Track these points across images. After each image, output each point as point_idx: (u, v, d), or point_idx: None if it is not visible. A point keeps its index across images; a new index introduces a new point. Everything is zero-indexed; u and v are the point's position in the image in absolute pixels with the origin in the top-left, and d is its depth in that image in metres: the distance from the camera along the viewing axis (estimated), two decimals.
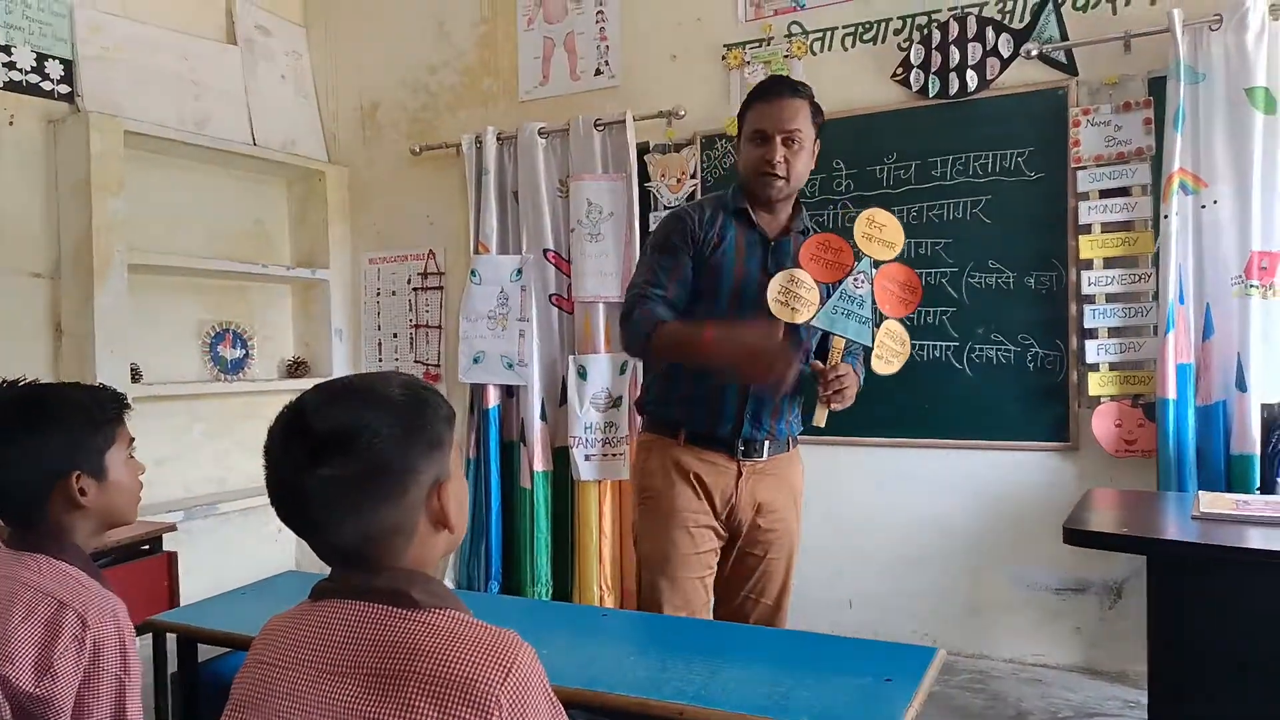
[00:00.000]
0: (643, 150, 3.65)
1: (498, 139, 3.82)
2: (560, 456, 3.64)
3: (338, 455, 0.89)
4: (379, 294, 4.28)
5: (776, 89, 2.01)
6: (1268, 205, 2.71)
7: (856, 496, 3.34)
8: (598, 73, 3.81)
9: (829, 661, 1.45)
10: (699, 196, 3.56)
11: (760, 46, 3.53)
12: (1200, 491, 2.45)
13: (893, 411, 3.24)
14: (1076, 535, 1.99)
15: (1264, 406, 2.64)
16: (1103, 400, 2.99)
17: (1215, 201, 2.79)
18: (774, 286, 1.93)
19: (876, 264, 1.96)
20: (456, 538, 0.99)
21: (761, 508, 2.06)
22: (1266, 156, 2.71)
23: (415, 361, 4.16)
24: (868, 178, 3.37)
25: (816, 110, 2.02)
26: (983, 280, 3.20)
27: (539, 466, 3.62)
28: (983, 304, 3.19)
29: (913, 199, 3.28)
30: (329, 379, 0.99)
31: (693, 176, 3.63)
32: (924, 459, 3.27)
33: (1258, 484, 2.59)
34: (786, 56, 3.48)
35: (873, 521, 3.35)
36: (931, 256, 3.25)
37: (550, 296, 3.71)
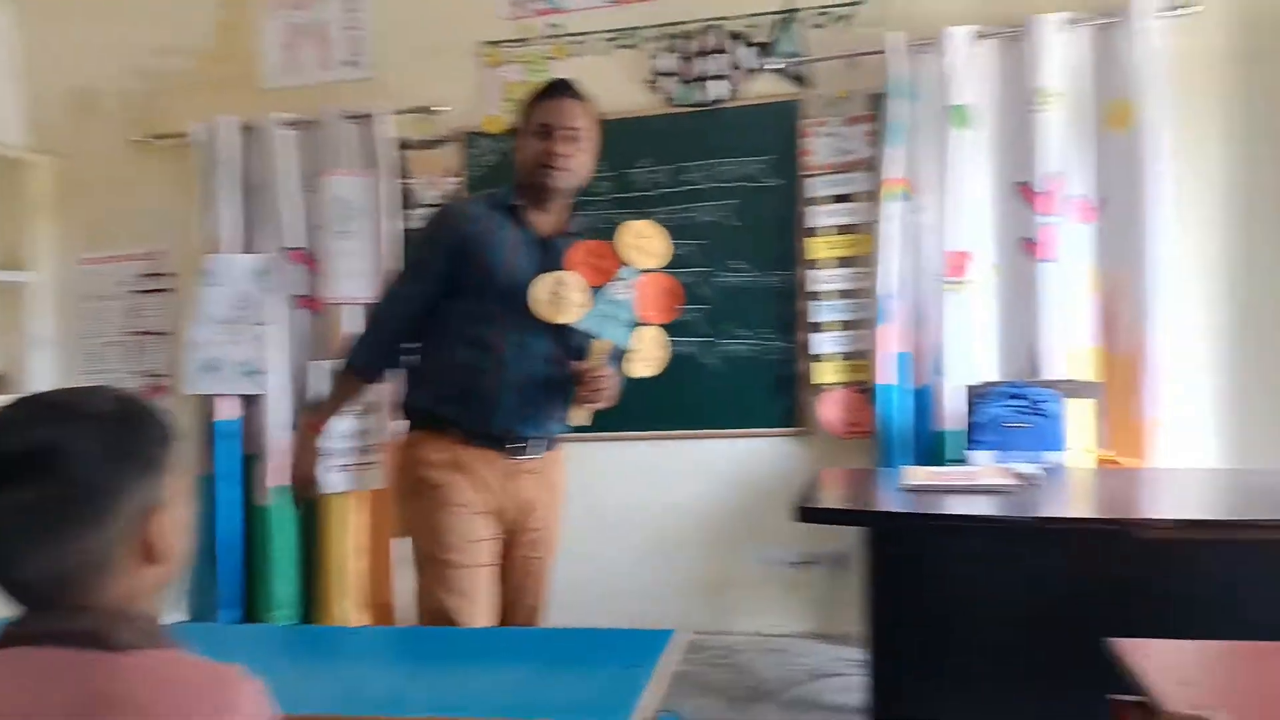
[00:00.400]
0: (401, 146, 3.56)
1: (238, 130, 3.57)
2: None
3: (29, 478, 0.80)
4: (94, 298, 3.87)
5: (563, 88, 2.06)
6: (963, 211, 3.09)
7: (615, 491, 3.43)
8: (351, 64, 3.66)
9: (579, 655, 1.50)
10: (461, 195, 3.52)
11: (520, 46, 3.54)
12: (908, 465, 2.77)
13: (648, 406, 3.34)
14: (806, 513, 2.19)
15: (961, 388, 3.00)
16: (830, 387, 3.28)
17: (924, 207, 3.14)
18: (542, 287, 1.97)
19: (641, 272, 2.05)
20: (173, 571, 0.92)
21: (529, 507, 2.08)
22: (959, 167, 3.09)
23: (138, 372, 3.78)
24: (626, 180, 3.47)
25: (597, 119, 2.09)
26: (730, 279, 3.41)
27: (282, 481, 3.42)
28: (730, 302, 3.39)
29: (667, 202, 3.42)
30: (29, 394, 0.90)
31: (454, 175, 3.58)
32: (677, 450, 3.43)
33: (956, 456, 2.95)
34: (546, 58, 3.52)
35: (631, 514, 3.47)
36: (685, 257, 3.40)
37: (296, 298, 3.52)
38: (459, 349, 2.03)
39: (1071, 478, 2.47)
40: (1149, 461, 2.85)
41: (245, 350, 3.45)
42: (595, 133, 2.08)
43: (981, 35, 3.09)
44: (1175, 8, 2.93)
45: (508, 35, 3.55)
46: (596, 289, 2.01)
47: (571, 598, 2.53)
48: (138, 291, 3.81)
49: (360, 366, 2.11)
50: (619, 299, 2.01)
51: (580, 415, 2.04)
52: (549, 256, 2.03)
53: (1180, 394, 2.96)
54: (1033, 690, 2.01)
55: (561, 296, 1.97)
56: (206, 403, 3.50)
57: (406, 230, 3.50)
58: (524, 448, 2.05)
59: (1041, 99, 3.00)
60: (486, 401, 2.01)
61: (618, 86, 3.45)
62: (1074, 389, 2.83)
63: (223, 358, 3.46)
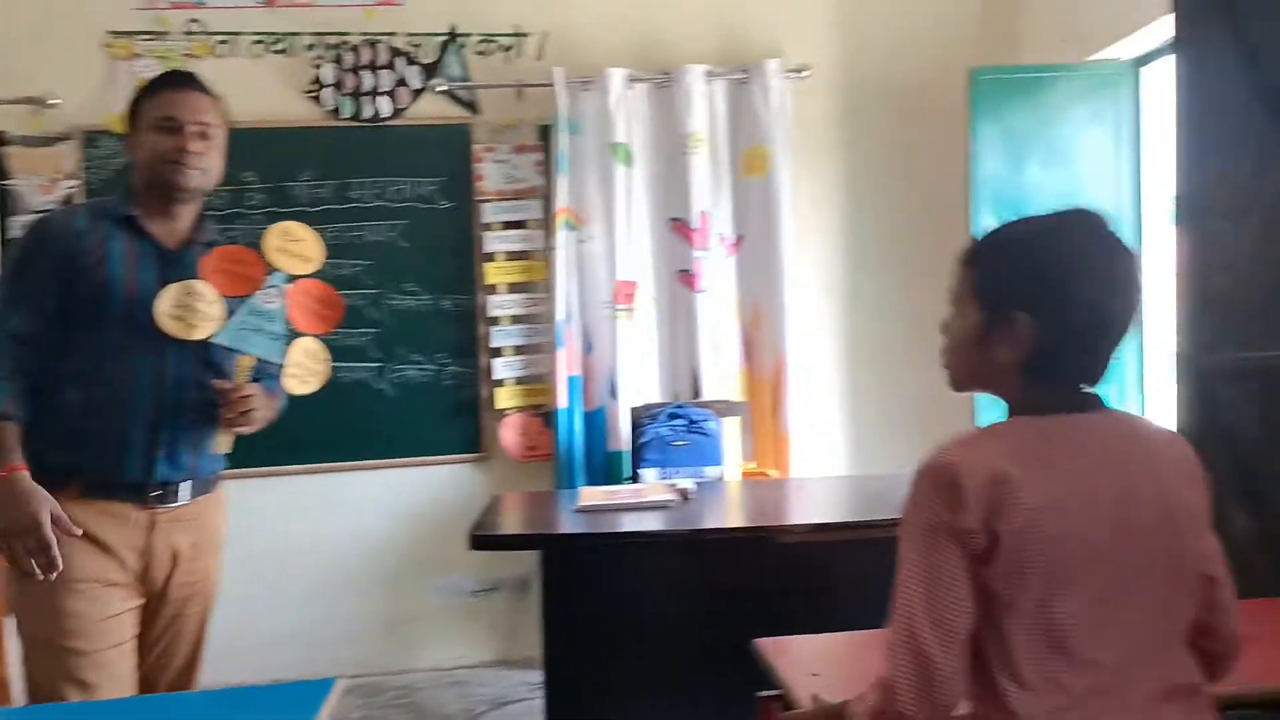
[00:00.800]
0: (1, 141, 3.06)
1: None
2: None
3: None
4: None
5: (187, 80, 1.83)
6: (627, 242, 3.27)
7: (277, 530, 3.18)
8: None
9: (223, 718, 1.34)
10: (73, 201, 3.09)
11: (155, 39, 3.18)
12: (583, 487, 2.86)
13: (315, 436, 3.17)
14: (480, 540, 2.16)
15: (630, 410, 3.16)
16: (509, 412, 3.31)
17: (592, 237, 3.27)
18: (165, 300, 1.72)
19: (291, 279, 1.87)
20: None
21: (180, 558, 1.80)
22: (626, 202, 3.26)
23: None
24: (283, 193, 3.25)
25: (226, 118, 1.87)
26: (402, 303, 3.31)
27: None
28: (403, 325, 3.29)
29: (331, 219, 3.25)
30: None
31: (70, 177, 3.12)
32: (349, 482, 3.26)
33: (629, 475, 3.09)
34: (187, 55, 3.20)
35: (296, 554, 3.23)
36: (352, 278, 3.26)
37: None
38: (73, 386, 1.73)
39: (726, 490, 2.68)
40: (790, 472, 3.19)
41: None
42: (225, 133, 1.88)
43: (634, 79, 3.28)
44: (794, 71, 3.34)
45: (141, 26, 3.19)
46: (239, 299, 1.80)
47: (230, 652, 2.27)
48: None
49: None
50: (265, 309, 1.81)
51: (224, 441, 1.83)
52: (178, 270, 1.79)
53: (813, 410, 3.36)
54: (697, 693, 2.14)
55: (193, 309, 1.74)
56: None
57: (5, 240, 2.98)
58: (169, 494, 1.78)
59: (693, 143, 3.26)
60: (112, 445, 1.72)
61: (272, 93, 3.25)
62: (726, 408, 3.09)
63: None
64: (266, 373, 1.87)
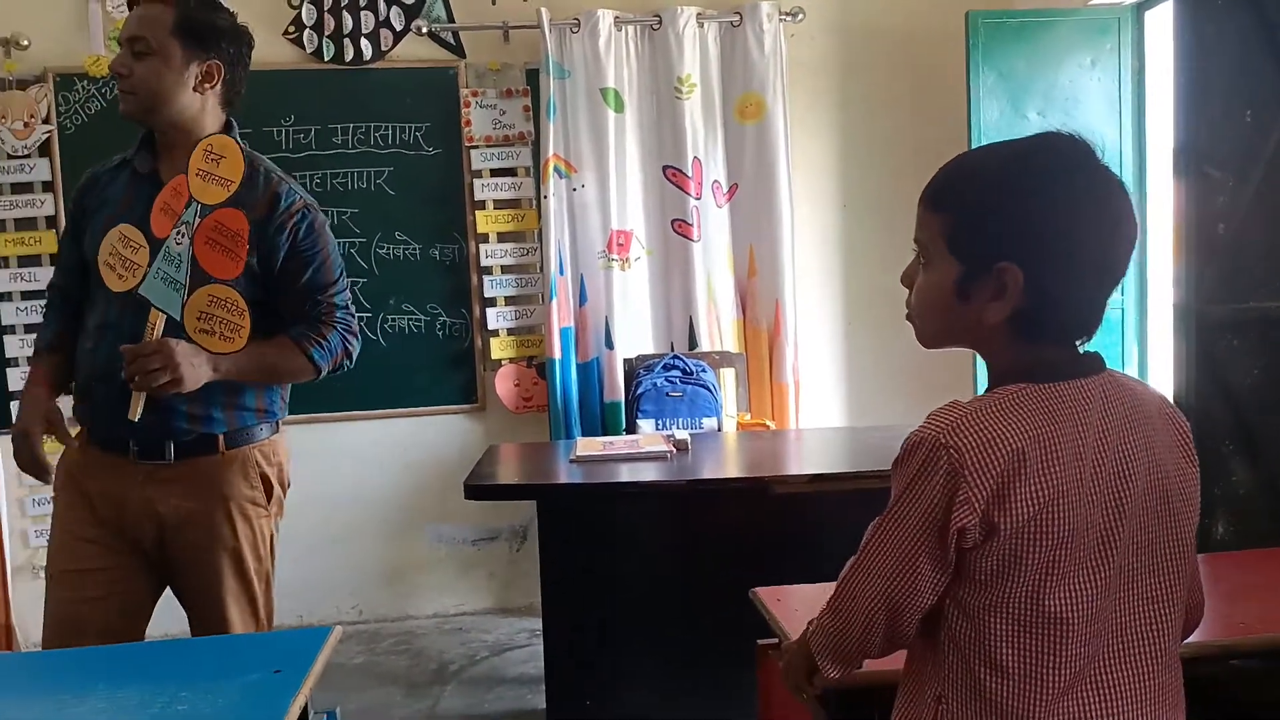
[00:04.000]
0: None
1: None
2: None
3: None
4: None
5: None
6: (620, 191, 3.21)
7: None
8: None
9: (216, 665, 1.34)
10: (54, 144, 3.04)
11: None
12: (579, 437, 2.85)
13: (305, 386, 3.16)
14: (476, 490, 2.17)
15: (625, 361, 3.14)
16: (503, 363, 3.28)
17: (584, 185, 3.21)
18: (104, 246, 1.58)
19: (203, 210, 1.54)
20: None
21: (166, 523, 1.69)
22: (618, 149, 3.20)
23: None
24: (264, 139, 3.17)
25: (194, 24, 1.65)
26: (391, 251, 3.26)
27: None
28: (392, 274, 3.25)
29: (315, 165, 3.19)
30: None
31: (45, 121, 3.04)
32: (343, 432, 3.24)
33: (624, 426, 3.09)
34: None
35: (291, 504, 3.22)
36: (339, 226, 3.21)
37: None
38: (84, 336, 1.71)
39: (722, 441, 2.68)
40: (786, 423, 3.19)
41: None
42: (168, 41, 1.64)
43: (623, 21, 3.19)
44: (787, 14, 3.25)
45: None
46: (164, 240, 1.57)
47: None
48: None
49: (38, 348, 1.79)
50: (173, 251, 1.53)
51: (134, 407, 1.59)
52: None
53: (810, 361, 3.35)
54: (694, 641, 2.17)
55: (122, 256, 1.57)
56: None
57: None
58: (155, 450, 1.67)
59: (685, 88, 3.18)
60: (113, 394, 1.63)
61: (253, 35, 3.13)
62: (723, 359, 3.08)
63: None
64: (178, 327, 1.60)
